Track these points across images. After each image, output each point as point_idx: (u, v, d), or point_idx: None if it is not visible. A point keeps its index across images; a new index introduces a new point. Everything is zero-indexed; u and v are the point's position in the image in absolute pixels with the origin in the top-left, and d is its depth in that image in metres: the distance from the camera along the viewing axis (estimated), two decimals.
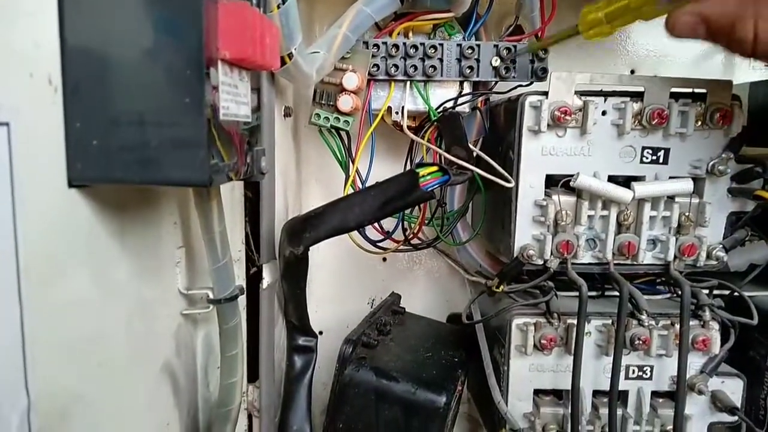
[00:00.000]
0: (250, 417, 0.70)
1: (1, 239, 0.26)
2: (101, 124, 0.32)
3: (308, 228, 0.56)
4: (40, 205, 0.30)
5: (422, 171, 0.53)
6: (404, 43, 0.67)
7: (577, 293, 0.59)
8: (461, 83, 0.70)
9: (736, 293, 0.64)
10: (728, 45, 0.48)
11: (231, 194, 0.60)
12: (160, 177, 0.34)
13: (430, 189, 0.53)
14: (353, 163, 0.69)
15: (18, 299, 0.27)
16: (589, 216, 0.60)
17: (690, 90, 0.60)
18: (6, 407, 0.27)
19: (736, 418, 0.62)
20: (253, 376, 0.67)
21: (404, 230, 0.74)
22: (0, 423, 0.26)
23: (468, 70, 0.68)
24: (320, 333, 0.77)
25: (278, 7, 0.47)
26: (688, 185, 0.59)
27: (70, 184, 0.33)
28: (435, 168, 0.54)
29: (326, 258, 0.85)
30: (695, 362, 0.62)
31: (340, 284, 0.88)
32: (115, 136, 0.33)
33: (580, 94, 0.59)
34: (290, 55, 0.51)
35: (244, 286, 0.62)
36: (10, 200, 0.26)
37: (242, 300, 0.62)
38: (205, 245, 0.48)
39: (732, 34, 0.47)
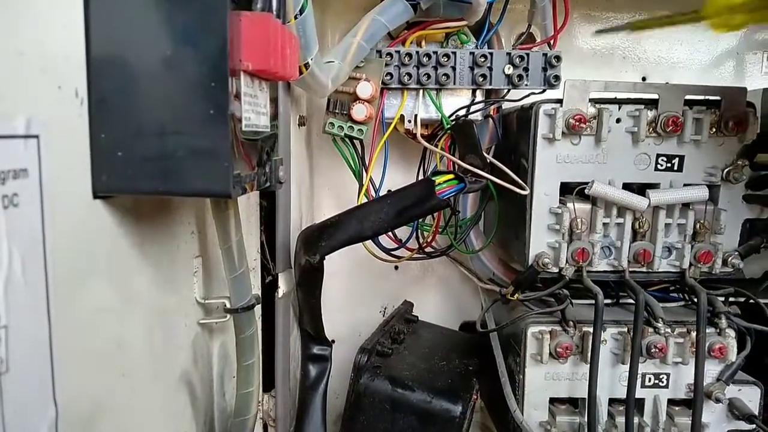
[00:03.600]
0: (265, 426, 0.70)
1: (31, 251, 0.26)
2: (126, 136, 0.33)
3: (324, 237, 0.56)
4: (67, 216, 0.30)
5: (438, 179, 0.53)
6: (417, 52, 0.67)
7: (591, 301, 0.59)
8: (474, 91, 0.70)
9: (752, 300, 0.64)
10: None
11: (247, 203, 0.60)
12: (183, 188, 0.34)
13: (446, 197, 0.53)
14: (367, 171, 0.70)
15: (46, 310, 0.27)
16: (604, 224, 0.61)
17: (704, 97, 0.60)
18: (35, 417, 0.27)
19: (753, 426, 0.62)
20: (268, 385, 0.67)
21: (418, 239, 0.74)
22: None
23: (481, 78, 0.68)
24: (332, 341, 0.77)
25: (295, 17, 0.47)
26: (703, 192, 0.59)
27: (95, 195, 0.33)
28: (451, 176, 0.54)
29: (338, 266, 0.85)
30: (712, 370, 0.62)
31: (352, 292, 0.88)
32: (140, 147, 0.33)
33: (594, 101, 0.59)
34: (306, 65, 0.51)
35: (260, 295, 0.62)
36: (39, 212, 0.27)
37: (258, 309, 0.62)
38: (222, 255, 0.48)
39: None
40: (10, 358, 0.25)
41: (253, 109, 0.38)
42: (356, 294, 0.88)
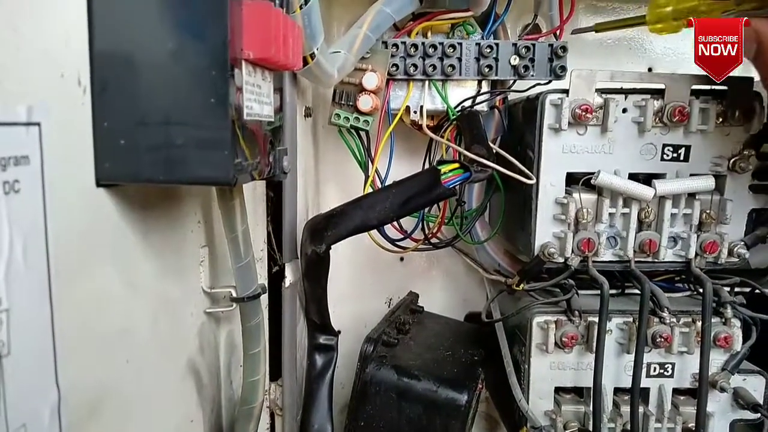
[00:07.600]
0: (272, 415, 0.71)
1: (32, 237, 0.26)
2: (128, 124, 0.33)
3: (330, 226, 0.56)
4: (69, 203, 0.31)
5: (444, 168, 0.53)
6: (423, 43, 0.67)
7: (597, 292, 0.59)
8: (480, 82, 0.70)
9: (757, 291, 0.64)
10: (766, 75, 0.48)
11: (253, 194, 0.61)
12: (185, 176, 0.34)
13: (452, 186, 0.53)
14: (373, 162, 0.70)
15: (48, 295, 0.28)
16: (610, 214, 0.61)
17: (710, 87, 0.59)
18: (38, 401, 0.27)
19: (758, 415, 0.62)
20: (275, 374, 0.68)
21: (423, 229, 0.74)
22: (32, 416, 0.27)
23: (487, 69, 0.68)
24: (338, 332, 0.77)
25: (300, 7, 0.47)
26: (709, 182, 0.59)
27: (98, 184, 0.34)
28: (456, 165, 0.54)
29: (344, 257, 0.86)
30: (717, 359, 0.62)
31: (358, 283, 0.88)
32: (142, 135, 0.33)
33: (600, 91, 0.59)
34: (312, 55, 0.51)
35: (267, 285, 0.62)
36: (41, 198, 0.27)
37: (265, 299, 0.63)
38: (227, 244, 0.48)
39: None
40: (11, 341, 0.25)
41: (256, 99, 0.38)
42: (362, 286, 0.88)
